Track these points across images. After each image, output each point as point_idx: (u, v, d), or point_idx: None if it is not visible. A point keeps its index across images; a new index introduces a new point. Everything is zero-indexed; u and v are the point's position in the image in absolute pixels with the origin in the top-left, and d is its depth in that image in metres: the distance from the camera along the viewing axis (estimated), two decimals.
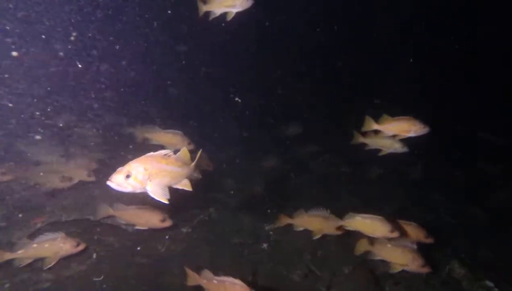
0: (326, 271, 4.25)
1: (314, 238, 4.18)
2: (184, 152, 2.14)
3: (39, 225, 3.86)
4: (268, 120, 9.89)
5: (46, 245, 3.30)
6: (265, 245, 4.58)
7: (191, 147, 4.45)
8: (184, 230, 4.49)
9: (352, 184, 6.86)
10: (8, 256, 3.25)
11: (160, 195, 2.00)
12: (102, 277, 3.47)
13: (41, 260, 3.37)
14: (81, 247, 3.41)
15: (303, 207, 4.35)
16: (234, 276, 3.85)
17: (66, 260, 3.56)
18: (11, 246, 3.63)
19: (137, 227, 3.88)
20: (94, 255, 3.80)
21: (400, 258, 3.85)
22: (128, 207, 3.79)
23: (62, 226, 4.09)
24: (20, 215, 3.97)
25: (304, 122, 9.15)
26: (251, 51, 11.94)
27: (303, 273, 4.18)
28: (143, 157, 1.98)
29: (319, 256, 4.51)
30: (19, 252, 3.26)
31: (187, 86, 10.14)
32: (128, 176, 1.88)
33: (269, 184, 6.42)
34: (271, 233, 4.88)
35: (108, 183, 1.87)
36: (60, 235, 3.35)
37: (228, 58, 11.32)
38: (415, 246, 3.90)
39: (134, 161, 1.93)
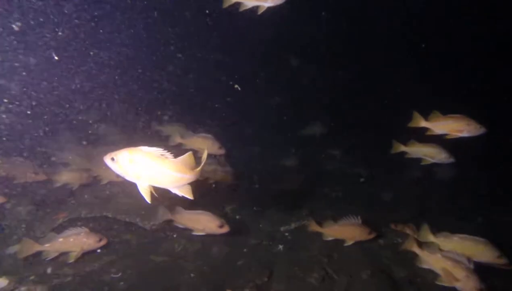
0: (343, 275, 4.15)
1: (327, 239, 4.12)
2: (189, 156, 2.04)
3: (61, 220, 3.97)
4: (290, 119, 9.79)
5: (71, 240, 3.42)
6: (280, 246, 4.53)
7: (222, 151, 4.47)
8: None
9: (374, 186, 6.72)
10: (37, 247, 3.37)
11: (144, 192, 2.02)
12: (120, 274, 3.52)
13: (65, 254, 3.47)
14: (103, 242, 3.51)
15: (321, 210, 4.27)
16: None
17: (86, 255, 3.64)
18: (35, 240, 3.76)
19: (194, 232, 3.81)
20: (113, 252, 3.87)
21: (453, 272, 3.16)
22: (186, 211, 3.74)
23: (82, 221, 4.22)
24: (43, 211, 4.10)
25: (327, 122, 8.99)
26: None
27: (319, 276, 4.10)
28: (137, 147, 1.99)
29: (336, 259, 4.42)
30: (46, 245, 3.38)
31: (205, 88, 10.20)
32: (112, 159, 1.96)
33: (287, 184, 6.37)
34: (286, 234, 4.84)
35: (103, 158, 1.98)
36: (84, 230, 3.45)
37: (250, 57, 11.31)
38: (471, 265, 3.19)
39: (127, 148, 1.97)
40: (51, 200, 4.20)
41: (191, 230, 4.38)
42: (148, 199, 2.02)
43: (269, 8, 3.13)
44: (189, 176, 2.04)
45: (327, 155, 8.02)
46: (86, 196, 4.31)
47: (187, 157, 2.01)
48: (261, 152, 8.05)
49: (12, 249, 3.55)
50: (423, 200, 6.32)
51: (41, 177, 4.13)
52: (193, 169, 2.05)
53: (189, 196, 2.08)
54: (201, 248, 4.23)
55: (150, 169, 1.95)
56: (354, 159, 7.91)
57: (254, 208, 5.31)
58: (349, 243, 4.05)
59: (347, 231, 4.03)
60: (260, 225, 4.93)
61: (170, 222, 4.33)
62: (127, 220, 4.16)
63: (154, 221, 3.95)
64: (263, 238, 4.64)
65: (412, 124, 3.61)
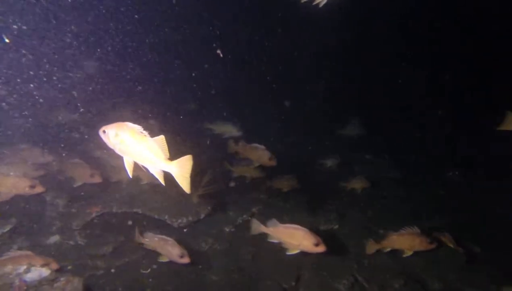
0: (373, 283, 3.99)
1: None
2: (161, 138, 1.98)
3: (94, 214, 4.07)
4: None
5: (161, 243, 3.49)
6: None
7: (273, 162, 4.44)
8: (227, 229, 4.49)
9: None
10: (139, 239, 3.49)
11: (128, 166, 2.04)
12: (149, 270, 3.57)
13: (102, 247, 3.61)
14: (186, 260, 3.44)
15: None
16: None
17: (120, 250, 3.73)
18: (71, 232, 3.89)
19: (289, 252, 3.54)
20: (142, 248, 3.93)
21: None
22: (282, 225, 3.50)
23: (114, 216, 4.32)
24: (78, 204, 4.23)
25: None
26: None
27: (349, 283, 3.96)
28: (124, 123, 2.00)
29: (366, 266, 4.27)
30: (146, 240, 3.50)
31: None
32: (104, 132, 2.02)
33: (313, 186, 6.23)
34: None
35: (98, 131, 2.04)
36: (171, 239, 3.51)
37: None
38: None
39: (116, 123, 2.01)
40: (86, 195, 4.32)
41: (222, 230, 4.41)
42: (130, 173, 2.04)
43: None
44: (164, 165, 1.97)
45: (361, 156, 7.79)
46: (117, 192, 4.40)
47: (159, 139, 1.96)
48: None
49: (53, 239, 3.69)
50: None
51: (97, 179, 4.17)
52: (165, 154, 1.98)
53: (161, 181, 2.03)
54: (229, 248, 4.21)
55: (131, 145, 1.96)
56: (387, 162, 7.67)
57: (281, 209, 5.23)
58: (409, 253, 4.02)
59: (407, 240, 3.94)
60: None
61: (195, 222, 4.39)
62: (156, 216, 4.21)
63: (249, 233, 3.67)
64: None
65: (503, 127, 3.35)
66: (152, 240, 3.46)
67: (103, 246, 3.77)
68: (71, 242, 3.86)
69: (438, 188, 6.99)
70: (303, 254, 3.62)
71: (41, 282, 2.36)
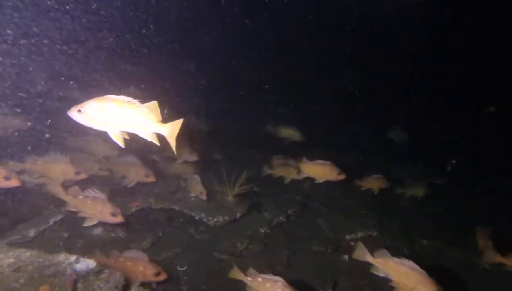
0: None
1: None
2: (153, 104, 2.06)
3: (133, 209, 4.19)
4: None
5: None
6: (345, 257, 4.27)
7: (342, 176, 4.37)
8: (262, 230, 4.44)
9: None
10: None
11: (116, 138, 2.10)
12: (185, 267, 3.60)
13: (140, 242, 3.74)
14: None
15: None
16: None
17: (157, 246, 3.81)
18: (108, 226, 4.02)
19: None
20: (178, 244, 3.99)
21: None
22: (392, 258, 3.06)
23: (151, 212, 4.42)
24: (120, 198, 4.37)
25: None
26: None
27: None
28: (104, 96, 2.03)
29: None
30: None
31: None
32: (79, 111, 2.00)
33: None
34: (352, 244, 4.55)
35: (67, 112, 2.02)
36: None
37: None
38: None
39: (94, 98, 2.02)
40: (126, 189, 4.45)
41: (257, 231, 4.38)
42: (121, 144, 2.09)
43: None
44: (157, 127, 2.07)
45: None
46: (156, 188, 4.50)
47: (151, 104, 2.05)
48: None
49: (97, 230, 3.85)
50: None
51: (151, 179, 4.14)
52: (158, 118, 2.08)
53: (155, 142, 2.12)
54: (264, 250, 4.16)
55: (119, 114, 2.01)
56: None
57: (318, 212, 5.11)
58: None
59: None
60: (324, 232, 4.71)
61: (231, 221, 4.37)
62: (193, 214, 4.25)
63: (354, 257, 3.28)
64: (327, 245, 4.41)
65: None
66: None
67: (142, 240, 3.86)
68: (113, 234, 3.99)
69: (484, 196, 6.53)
70: None
71: (88, 272, 2.45)
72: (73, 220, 4.06)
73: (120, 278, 2.61)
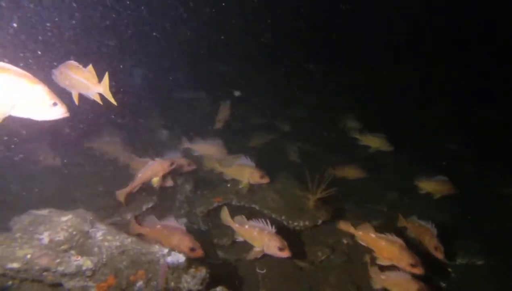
0: None
1: None
2: (90, 67, 2.42)
3: (215, 204, 4.25)
4: None
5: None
6: (443, 285, 3.73)
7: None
8: (345, 240, 4.13)
9: None
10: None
11: (75, 97, 2.54)
12: (264, 270, 3.51)
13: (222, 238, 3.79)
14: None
15: None
16: None
17: (237, 244, 3.79)
18: (195, 217, 4.15)
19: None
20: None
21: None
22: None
23: (232, 208, 4.44)
24: (202, 192, 4.50)
25: None
26: None
27: None
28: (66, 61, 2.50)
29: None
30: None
31: None
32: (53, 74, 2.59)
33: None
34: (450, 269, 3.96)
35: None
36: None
37: None
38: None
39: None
40: (210, 183, 4.56)
41: (340, 241, 4.09)
42: (76, 101, 2.54)
43: None
44: (94, 87, 2.41)
45: None
46: (238, 184, 4.50)
47: (89, 68, 2.41)
48: None
49: (182, 221, 4.01)
50: None
51: (266, 180, 4.14)
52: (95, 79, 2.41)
53: (99, 101, 2.44)
54: (346, 262, 3.86)
55: (72, 77, 2.47)
56: None
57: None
58: None
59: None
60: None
61: (312, 227, 4.15)
62: (273, 216, 4.14)
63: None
64: None
65: None
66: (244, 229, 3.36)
67: (223, 237, 3.88)
68: (195, 227, 4.12)
69: None
70: None
71: (178, 266, 2.49)
72: (161, 208, 4.32)
73: (205, 275, 2.61)
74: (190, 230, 4.06)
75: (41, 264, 2.28)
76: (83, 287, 2.38)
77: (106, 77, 2.41)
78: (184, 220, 4.09)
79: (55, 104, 1.69)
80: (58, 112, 1.73)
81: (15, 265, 2.23)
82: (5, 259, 2.25)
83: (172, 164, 3.69)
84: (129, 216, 3.81)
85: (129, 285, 2.43)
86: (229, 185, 4.37)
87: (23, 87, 1.56)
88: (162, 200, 4.27)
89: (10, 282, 2.36)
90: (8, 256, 2.26)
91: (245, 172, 4.02)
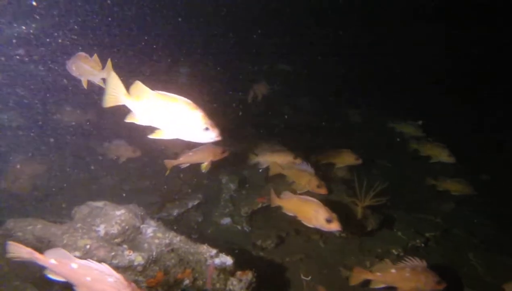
0: None
1: None
2: (95, 56, 2.77)
3: (260, 205, 4.20)
4: None
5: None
6: None
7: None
8: (395, 251, 3.87)
9: None
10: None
11: (84, 84, 2.84)
12: (309, 277, 3.39)
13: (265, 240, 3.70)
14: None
15: None
16: None
17: (281, 248, 3.72)
18: (239, 217, 4.13)
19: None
20: (302, 250, 3.81)
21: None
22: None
23: (275, 210, 4.36)
24: (246, 191, 4.48)
25: None
26: None
27: None
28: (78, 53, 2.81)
29: None
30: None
31: None
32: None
33: None
34: None
35: None
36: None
37: None
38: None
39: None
40: (254, 183, 4.53)
41: (388, 251, 3.86)
42: (85, 86, 2.86)
43: None
44: (99, 73, 2.71)
45: None
46: (281, 186, 4.42)
47: (94, 57, 2.76)
48: None
49: (226, 220, 4.02)
50: None
51: (324, 191, 3.83)
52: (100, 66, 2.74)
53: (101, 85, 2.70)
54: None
55: (80, 67, 2.80)
56: None
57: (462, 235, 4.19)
58: None
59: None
60: (477, 269, 3.82)
61: (360, 235, 3.96)
62: None
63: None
64: None
65: None
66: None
67: (266, 239, 3.81)
68: (239, 227, 4.10)
69: None
70: None
71: (225, 268, 2.47)
72: (205, 206, 4.36)
73: (252, 278, 2.56)
74: (232, 229, 4.08)
75: (98, 256, 2.37)
76: (134, 281, 2.43)
77: (108, 63, 2.58)
78: (228, 219, 4.08)
79: (207, 129, 1.79)
80: (209, 136, 1.82)
81: (77, 253, 2.35)
82: (69, 247, 2.37)
83: (224, 151, 3.65)
84: (175, 213, 3.89)
85: (176, 283, 2.45)
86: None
87: (187, 113, 1.76)
88: (207, 198, 4.31)
89: None
90: (72, 245, 2.38)
91: (303, 178, 3.92)
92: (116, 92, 1.85)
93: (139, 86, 1.81)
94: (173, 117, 1.77)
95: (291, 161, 4.16)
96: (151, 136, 1.86)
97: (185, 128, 1.79)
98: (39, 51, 4.98)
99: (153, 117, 1.81)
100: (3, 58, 4.72)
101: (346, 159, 4.82)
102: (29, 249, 1.75)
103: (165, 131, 1.83)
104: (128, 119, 1.90)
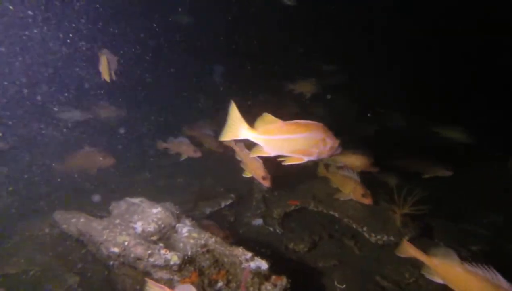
0: None
1: None
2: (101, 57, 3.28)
3: (292, 208, 4.12)
4: None
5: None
6: None
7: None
8: None
9: None
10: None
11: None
12: (344, 286, 3.27)
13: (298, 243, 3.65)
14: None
15: None
16: None
17: (314, 252, 3.62)
18: (271, 219, 4.07)
19: None
20: (335, 256, 3.69)
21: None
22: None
23: (308, 213, 4.26)
24: (279, 193, 4.40)
25: None
26: None
27: None
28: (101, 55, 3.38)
29: None
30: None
31: None
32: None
33: None
34: None
35: None
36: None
37: None
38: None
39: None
40: (284, 186, 4.44)
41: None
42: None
43: None
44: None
45: None
46: (315, 189, 4.30)
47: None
48: None
49: (258, 222, 3.97)
50: None
51: (369, 201, 3.82)
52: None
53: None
54: (441, 287, 3.39)
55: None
56: None
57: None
58: None
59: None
60: None
61: (396, 243, 3.76)
62: (354, 226, 3.85)
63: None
64: None
65: None
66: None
67: (299, 242, 3.73)
68: (271, 229, 4.04)
69: None
70: None
71: (259, 273, 2.42)
72: (237, 207, 4.34)
73: (286, 284, 2.50)
74: (264, 231, 4.03)
75: (135, 253, 2.41)
76: (169, 280, 2.45)
77: (104, 60, 2.96)
78: (260, 220, 4.04)
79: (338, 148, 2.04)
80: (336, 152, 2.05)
81: (116, 249, 2.40)
82: (109, 242, 2.43)
83: (267, 175, 3.55)
84: (208, 211, 3.90)
85: (211, 284, 2.43)
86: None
87: (322, 141, 1.95)
88: (239, 198, 4.29)
89: (111, 262, 2.55)
90: (111, 240, 2.44)
91: (348, 185, 3.80)
92: (236, 126, 1.75)
93: (268, 118, 1.74)
94: (308, 147, 1.81)
95: (367, 164, 4.04)
96: (285, 163, 1.93)
97: (320, 152, 1.89)
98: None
99: (284, 149, 1.82)
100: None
101: (355, 163, 4.38)
102: (161, 285, 1.85)
103: (298, 157, 1.90)
104: (255, 154, 1.87)
